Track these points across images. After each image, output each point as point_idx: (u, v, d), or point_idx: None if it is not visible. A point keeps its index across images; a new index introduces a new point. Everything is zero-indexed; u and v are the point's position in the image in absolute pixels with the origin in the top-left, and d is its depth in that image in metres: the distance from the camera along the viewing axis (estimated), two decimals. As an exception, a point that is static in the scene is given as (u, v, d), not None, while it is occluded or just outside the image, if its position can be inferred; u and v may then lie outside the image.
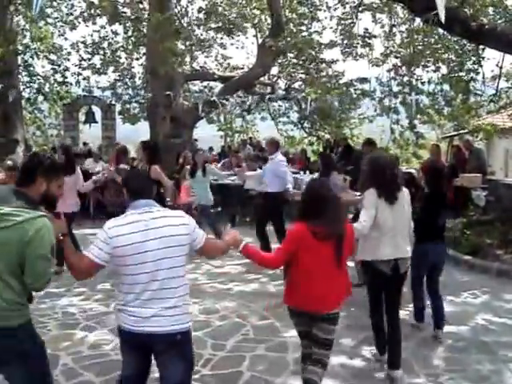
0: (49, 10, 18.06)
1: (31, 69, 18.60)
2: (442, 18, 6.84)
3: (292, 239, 3.91)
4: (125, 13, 16.77)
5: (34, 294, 3.20)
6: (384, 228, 4.75)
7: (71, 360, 5.09)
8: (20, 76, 17.51)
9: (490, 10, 12.42)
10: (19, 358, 3.03)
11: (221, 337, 5.55)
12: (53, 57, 18.60)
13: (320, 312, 3.91)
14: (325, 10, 17.20)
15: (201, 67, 18.59)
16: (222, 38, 18.70)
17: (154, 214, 3.29)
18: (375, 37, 15.75)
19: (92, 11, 16.79)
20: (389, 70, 14.86)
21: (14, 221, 2.90)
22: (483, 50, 12.95)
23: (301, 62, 17.47)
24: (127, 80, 18.42)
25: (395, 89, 14.63)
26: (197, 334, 5.54)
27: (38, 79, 18.80)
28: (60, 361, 5.02)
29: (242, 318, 6.25)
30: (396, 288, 4.92)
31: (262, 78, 18.06)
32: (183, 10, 18.19)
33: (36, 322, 5.54)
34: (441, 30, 12.25)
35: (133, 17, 16.61)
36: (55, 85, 18.90)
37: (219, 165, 15.91)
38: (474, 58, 13.45)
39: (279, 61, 17.37)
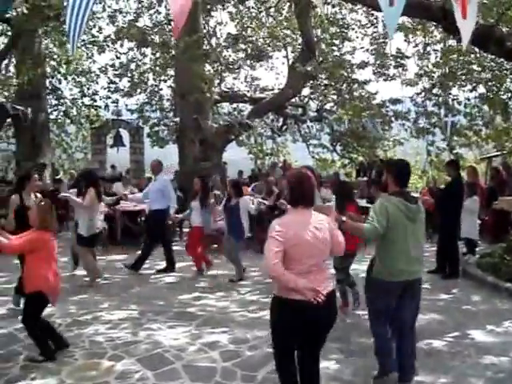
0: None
1: (59, 92, 18.70)
2: (465, 43, 6.43)
3: None
4: (153, 38, 16.75)
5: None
6: None
7: (98, 390, 4.80)
8: (48, 99, 17.58)
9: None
10: None
11: (251, 367, 5.18)
12: (81, 79, 18.67)
13: None
14: (356, 31, 17.05)
15: (229, 89, 18.42)
16: (251, 61, 18.54)
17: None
18: (408, 57, 15.47)
19: (120, 35, 16.81)
20: (421, 92, 14.51)
21: None
22: (521, 68, 12.58)
23: (332, 83, 17.21)
24: (155, 102, 18.32)
25: (431, 109, 14.27)
26: (226, 365, 5.22)
27: (65, 102, 18.86)
28: (87, 391, 4.74)
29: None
30: None
31: (292, 100, 17.85)
32: (211, 30, 18.10)
33: (62, 351, 5.35)
34: (477, 49, 11.90)
35: (160, 41, 16.52)
36: (83, 108, 18.94)
37: (249, 189, 15.44)
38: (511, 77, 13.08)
39: (310, 82, 17.13)
